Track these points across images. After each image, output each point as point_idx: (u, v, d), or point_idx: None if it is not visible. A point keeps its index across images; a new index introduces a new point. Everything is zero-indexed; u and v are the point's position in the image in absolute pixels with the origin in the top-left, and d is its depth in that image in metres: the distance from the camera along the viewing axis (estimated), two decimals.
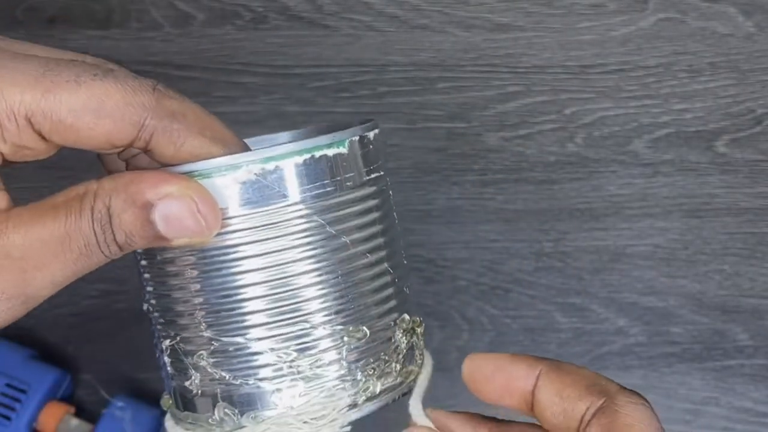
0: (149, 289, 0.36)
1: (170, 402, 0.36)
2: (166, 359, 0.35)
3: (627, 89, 0.67)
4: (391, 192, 0.37)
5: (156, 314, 0.35)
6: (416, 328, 0.37)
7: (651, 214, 0.65)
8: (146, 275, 0.35)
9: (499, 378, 0.36)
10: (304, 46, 0.67)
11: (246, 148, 0.35)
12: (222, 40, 0.67)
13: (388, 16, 0.68)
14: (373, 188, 0.35)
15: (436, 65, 0.67)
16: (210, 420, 0.34)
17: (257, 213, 0.33)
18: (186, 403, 0.35)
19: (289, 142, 0.38)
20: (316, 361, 0.34)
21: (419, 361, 0.37)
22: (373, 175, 0.35)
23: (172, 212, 0.32)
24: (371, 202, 0.35)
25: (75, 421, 0.60)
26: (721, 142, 0.66)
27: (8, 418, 0.59)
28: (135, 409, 0.60)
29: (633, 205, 0.65)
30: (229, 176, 0.32)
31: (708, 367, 0.63)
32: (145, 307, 0.36)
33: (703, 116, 0.66)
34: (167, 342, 0.35)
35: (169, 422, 0.36)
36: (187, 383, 0.35)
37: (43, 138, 0.33)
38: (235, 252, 0.33)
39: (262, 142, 0.40)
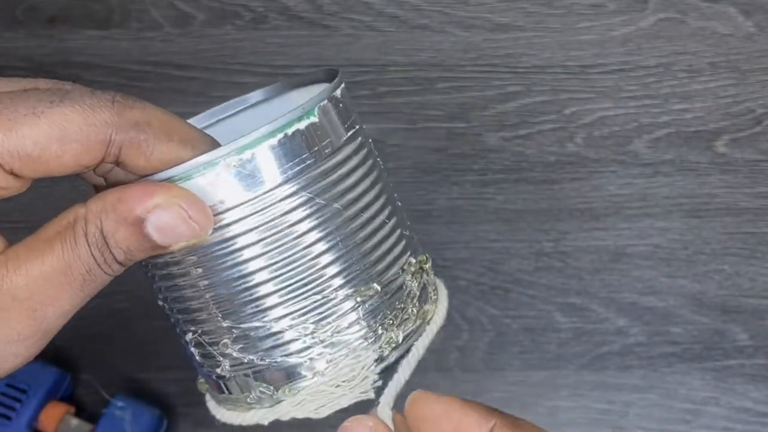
0: (160, 289, 0.36)
1: (206, 386, 0.37)
2: (193, 350, 0.36)
3: (627, 89, 0.67)
4: (370, 140, 0.37)
5: (172, 311, 0.36)
6: (424, 266, 0.37)
7: (651, 214, 0.65)
8: (154, 277, 0.36)
9: (447, 424, 0.35)
10: (304, 46, 0.67)
11: (215, 144, 0.35)
12: (222, 40, 0.67)
13: (388, 16, 0.68)
14: (353, 145, 0.35)
15: (436, 65, 0.67)
16: (248, 399, 0.35)
17: (245, 203, 0.33)
18: (221, 386, 0.36)
19: (260, 101, 0.38)
20: (336, 327, 0.34)
21: (434, 297, 0.38)
22: (350, 133, 0.35)
23: (164, 222, 0.32)
24: (354, 160, 0.35)
25: (75, 421, 0.60)
26: (721, 142, 0.66)
27: (8, 418, 0.59)
28: (135, 409, 0.60)
29: (633, 205, 0.65)
30: (209, 174, 0.33)
31: (708, 367, 0.63)
32: (160, 303, 0.36)
33: (703, 116, 0.66)
34: (189, 335, 0.35)
35: (210, 403, 0.37)
36: (218, 369, 0.35)
37: (15, 175, 0.33)
38: (233, 244, 0.33)
39: (234, 106, 0.40)
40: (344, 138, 0.35)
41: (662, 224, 0.65)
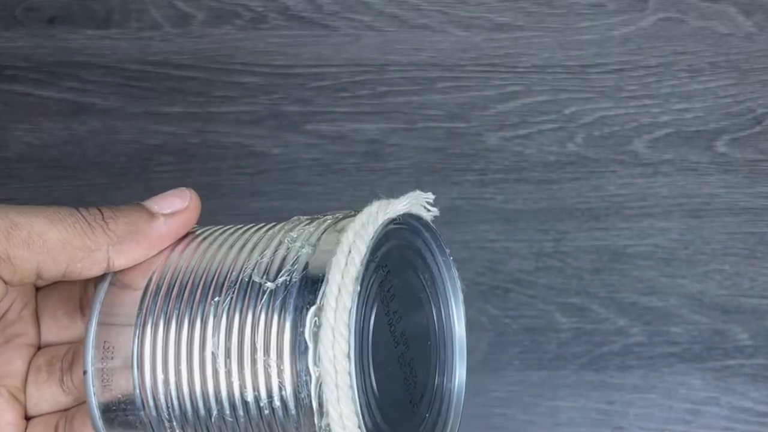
0: None
1: None
2: None
3: (627, 89, 0.67)
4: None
5: None
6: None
7: (651, 214, 0.65)
8: None
9: None
10: (304, 46, 0.67)
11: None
12: (222, 40, 0.67)
13: (387, 15, 0.68)
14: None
15: (436, 65, 0.67)
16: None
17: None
18: None
19: None
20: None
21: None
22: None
23: (158, 197, 0.36)
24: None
25: None
26: (721, 142, 0.66)
27: None
28: None
29: (633, 205, 0.65)
30: None
31: (708, 367, 0.63)
32: None
33: (703, 116, 0.66)
34: None
35: None
36: None
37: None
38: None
39: None
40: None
41: (662, 224, 0.65)
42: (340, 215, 0.36)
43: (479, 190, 0.65)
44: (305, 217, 0.37)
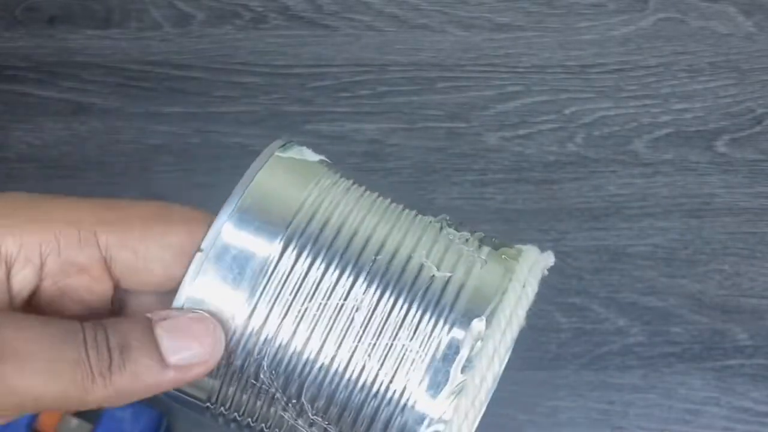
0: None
1: None
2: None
3: (627, 89, 0.67)
4: (346, 179, 0.35)
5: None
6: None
7: (651, 214, 0.65)
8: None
9: None
10: (304, 46, 0.67)
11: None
12: (222, 40, 0.67)
13: (387, 15, 0.68)
14: (319, 188, 0.33)
15: (436, 65, 0.67)
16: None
17: (261, 286, 0.30)
18: None
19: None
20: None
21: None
22: (310, 181, 0.33)
23: (177, 323, 0.30)
24: (330, 198, 0.33)
25: (75, 421, 0.60)
26: (721, 142, 0.66)
27: None
28: (135, 408, 0.60)
29: (633, 205, 0.65)
30: (208, 274, 0.30)
31: (708, 367, 0.63)
32: None
33: (703, 116, 0.67)
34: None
35: None
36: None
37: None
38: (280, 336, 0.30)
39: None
40: (304, 188, 0.33)
41: (662, 224, 0.65)
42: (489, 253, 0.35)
43: (479, 190, 0.65)
44: (448, 224, 0.35)
